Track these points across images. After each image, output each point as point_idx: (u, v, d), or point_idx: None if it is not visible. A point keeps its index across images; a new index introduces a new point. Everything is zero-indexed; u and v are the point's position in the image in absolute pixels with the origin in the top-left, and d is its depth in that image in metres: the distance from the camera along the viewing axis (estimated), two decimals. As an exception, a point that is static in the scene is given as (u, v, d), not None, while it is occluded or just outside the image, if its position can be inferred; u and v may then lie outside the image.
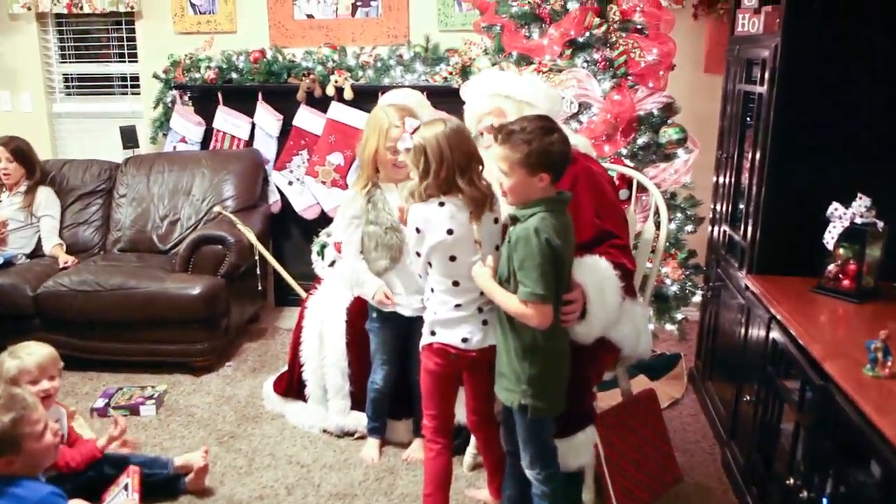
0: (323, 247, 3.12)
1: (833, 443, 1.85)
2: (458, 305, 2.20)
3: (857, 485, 1.77)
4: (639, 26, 3.19)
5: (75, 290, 3.56)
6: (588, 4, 3.11)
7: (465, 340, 2.20)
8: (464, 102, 3.62)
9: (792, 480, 2.02)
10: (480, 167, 2.18)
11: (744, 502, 2.54)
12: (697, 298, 3.47)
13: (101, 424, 3.12)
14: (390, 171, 2.65)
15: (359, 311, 2.93)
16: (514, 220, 2.00)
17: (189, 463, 2.64)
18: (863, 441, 1.71)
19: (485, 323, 2.21)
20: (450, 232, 2.14)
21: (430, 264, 2.23)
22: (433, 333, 2.24)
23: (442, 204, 2.15)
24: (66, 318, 3.58)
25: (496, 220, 2.21)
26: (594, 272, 2.22)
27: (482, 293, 2.17)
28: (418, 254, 2.24)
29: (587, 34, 3.12)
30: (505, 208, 2.17)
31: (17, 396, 2.04)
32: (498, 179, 2.01)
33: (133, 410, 3.24)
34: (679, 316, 3.33)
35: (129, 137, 4.49)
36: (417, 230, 2.19)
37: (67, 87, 4.86)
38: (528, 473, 2.14)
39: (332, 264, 3.07)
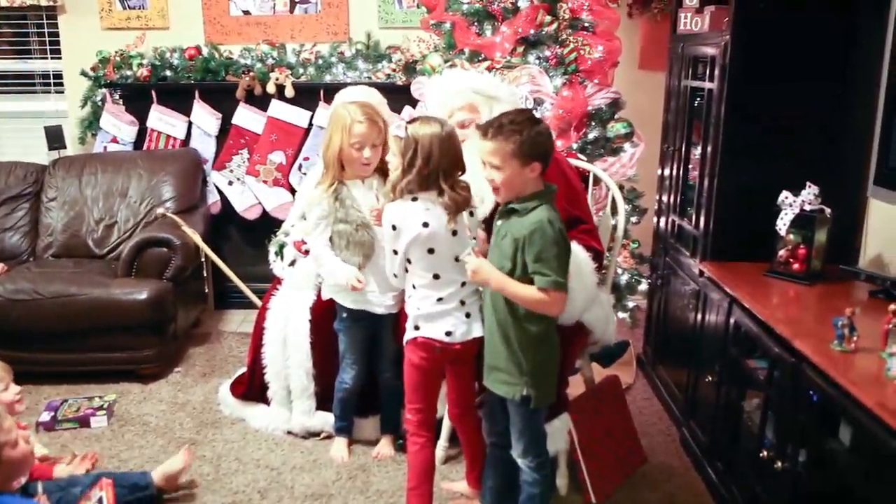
0: (281, 246, 3.07)
1: (805, 415, 1.98)
2: (440, 299, 2.23)
3: (829, 452, 1.91)
4: (587, 24, 3.29)
5: (11, 300, 3.37)
6: (539, 3, 3.19)
7: (448, 334, 2.23)
8: (411, 99, 3.68)
9: (765, 453, 2.14)
10: (461, 173, 2.23)
11: (706, 478, 2.67)
12: (643, 287, 3.61)
13: (48, 439, 2.98)
14: (357, 168, 2.65)
15: (323, 310, 2.90)
16: (507, 213, 2.05)
17: (171, 471, 2.56)
18: (837, 411, 1.84)
19: (468, 316, 2.25)
20: (425, 225, 2.17)
21: (409, 261, 2.25)
22: (417, 328, 2.26)
23: (415, 199, 2.19)
24: (0, 329, 3.38)
25: (471, 213, 2.26)
26: (573, 256, 2.29)
27: (463, 284, 2.22)
28: (395, 252, 2.26)
29: (539, 31, 3.20)
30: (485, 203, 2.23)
31: None
32: (488, 176, 2.04)
33: (83, 422, 3.10)
34: (631, 304, 3.46)
35: (54, 138, 4.27)
36: (394, 227, 2.22)
37: (-18, 85, 4.60)
38: (521, 462, 2.19)
39: (292, 264, 3.02)
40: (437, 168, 2.14)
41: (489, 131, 1.98)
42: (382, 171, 2.69)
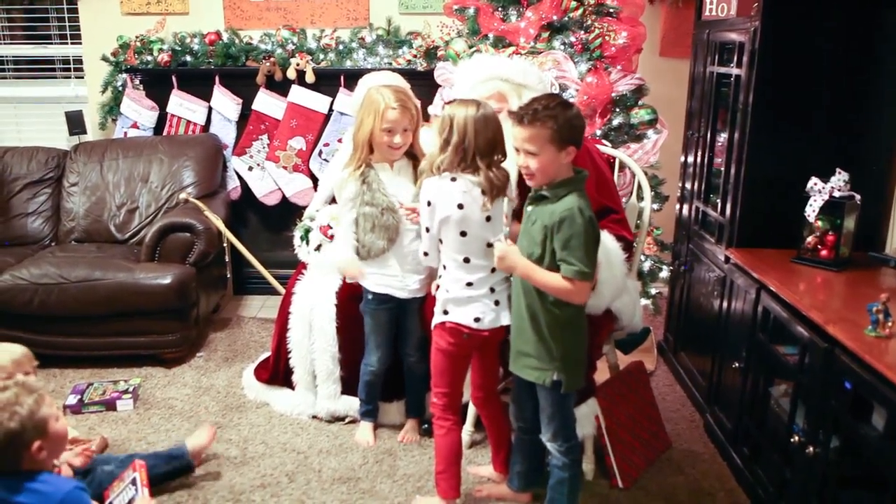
0: (307, 231, 3.08)
1: (837, 400, 1.99)
2: (469, 283, 2.24)
3: (862, 437, 1.92)
4: (611, 10, 3.28)
5: (36, 284, 3.39)
6: (565, -12, 3.18)
7: (477, 320, 2.24)
8: (432, 85, 3.67)
9: (796, 438, 2.15)
10: (501, 157, 2.23)
11: (732, 463, 2.69)
12: (664, 274, 3.61)
13: (75, 422, 3.01)
14: (385, 152, 2.65)
15: (349, 295, 2.92)
16: (538, 199, 2.05)
17: (198, 445, 2.62)
18: (871, 396, 1.85)
19: (497, 303, 2.26)
20: (460, 206, 2.19)
21: (441, 242, 2.27)
22: (446, 312, 2.28)
23: (454, 179, 2.20)
24: (25, 313, 3.40)
25: (508, 199, 2.27)
26: (602, 246, 2.29)
27: (493, 270, 2.22)
28: (427, 229, 2.28)
29: (564, 17, 3.19)
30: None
31: (27, 381, 1.97)
32: (523, 163, 2.04)
33: (109, 406, 3.13)
34: (653, 290, 3.46)
35: (75, 123, 4.30)
36: (429, 203, 2.24)
37: (2, 69, 4.60)
38: (551, 446, 2.20)
39: (318, 248, 3.03)
40: (473, 147, 2.16)
41: (524, 117, 1.98)
42: (411, 155, 2.70)
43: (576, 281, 1.97)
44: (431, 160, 2.22)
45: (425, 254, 2.36)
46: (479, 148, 2.16)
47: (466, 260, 2.23)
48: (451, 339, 2.28)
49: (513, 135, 2.04)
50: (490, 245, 2.19)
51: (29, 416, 1.86)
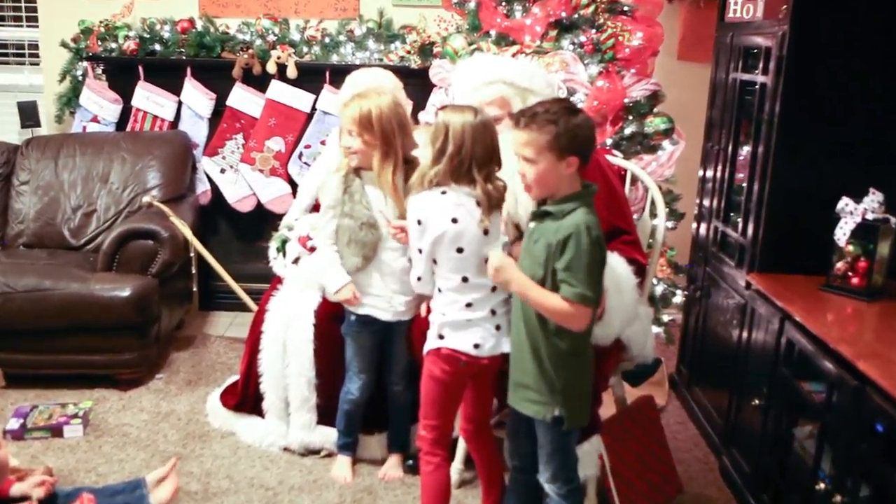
0: (284, 242, 3.08)
1: (868, 444, 1.99)
2: (469, 305, 2.24)
3: (895, 485, 1.92)
4: (626, 8, 3.32)
5: (-23, 293, 3.38)
6: (576, -18, 3.22)
7: (476, 346, 2.24)
8: (425, 84, 3.69)
9: (822, 485, 2.15)
10: (498, 167, 2.24)
11: (750, 512, 2.69)
12: (678, 300, 3.62)
13: (16, 449, 2.98)
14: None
15: (329, 313, 2.91)
16: (542, 215, 2.05)
17: (161, 500, 2.55)
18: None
19: (497, 328, 2.26)
20: (454, 221, 2.19)
21: (434, 262, 2.27)
22: (441, 337, 2.27)
23: (444, 192, 2.20)
24: (-36, 326, 3.39)
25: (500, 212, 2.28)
26: (611, 270, 2.30)
27: (494, 289, 2.22)
28: (420, 251, 2.27)
29: (574, 14, 3.22)
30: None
31: None
32: (519, 171, 2.05)
33: (55, 432, 3.10)
34: (666, 318, 3.48)
35: (28, 115, 4.31)
36: (419, 222, 2.23)
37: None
38: (549, 488, 2.20)
39: (296, 261, 3.03)
40: (470, 157, 2.16)
41: (522, 120, 1.99)
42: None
43: (576, 304, 1.97)
44: (423, 173, 2.22)
45: (419, 279, 2.34)
46: (476, 158, 2.16)
47: (465, 279, 2.23)
48: (447, 367, 2.27)
49: (511, 138, 2.05)
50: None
51: None
